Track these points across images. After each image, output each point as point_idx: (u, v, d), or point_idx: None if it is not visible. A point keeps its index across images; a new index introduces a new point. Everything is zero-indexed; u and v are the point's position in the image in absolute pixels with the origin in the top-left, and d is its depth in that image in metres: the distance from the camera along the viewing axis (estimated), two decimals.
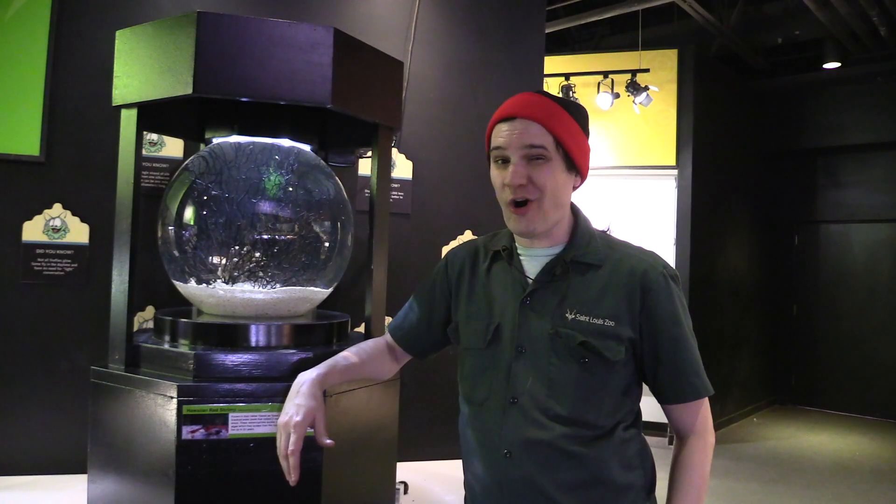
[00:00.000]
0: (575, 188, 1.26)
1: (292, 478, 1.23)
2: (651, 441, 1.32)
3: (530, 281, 1.24)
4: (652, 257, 1.24)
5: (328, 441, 1.27)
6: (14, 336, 2.30)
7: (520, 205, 1.20)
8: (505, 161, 1.21)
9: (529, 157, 1.18)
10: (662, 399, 1.23)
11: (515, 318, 1.22)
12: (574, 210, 1.30)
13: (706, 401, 1.25)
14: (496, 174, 1.23)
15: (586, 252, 1.23)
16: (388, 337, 1.50)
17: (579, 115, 1.23)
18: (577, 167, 1.23)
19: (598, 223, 1.33)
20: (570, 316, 1.19)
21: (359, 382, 1.82)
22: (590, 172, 1.28)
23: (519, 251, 1.29)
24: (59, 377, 2.33)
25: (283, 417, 1.26)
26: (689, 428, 1.24)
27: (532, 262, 1.26)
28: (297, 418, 1.24)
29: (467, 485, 1.31)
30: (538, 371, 1.19)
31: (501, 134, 1.21)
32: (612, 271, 1.21)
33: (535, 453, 1.17)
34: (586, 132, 1.25)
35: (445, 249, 2.78)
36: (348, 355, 1.42)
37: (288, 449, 1.22)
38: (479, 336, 1.27)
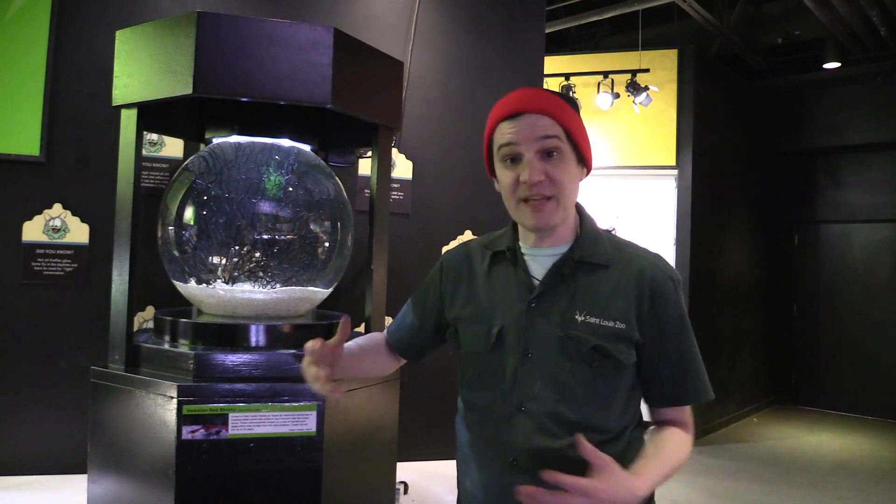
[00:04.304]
0: (579, 181, 1.23)
1: (325, 388, 1.12)
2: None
3: (537, 282, 1.21)
4: (659, 260, 1.22)
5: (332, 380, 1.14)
6: (14, 336, 2.30)
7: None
8: (515, 159, 1.17)
9: (544, 152, 1.15)
10: (658, 401, 1.22)
11: (521, 320, 1.19)
12: (578, 208, 1.27)
13: (690, 407, 1.23)
14: (506, 173, 1.18)
15: (594, 252, 1.20)
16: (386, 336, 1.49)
17: (577, 109, 1.22)
18: (584, 160, 1.21)
19: (602, 223, 1.30)
20: (580, 318, 1.16)
21: (359, 382, 1.82)
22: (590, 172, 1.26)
23: (523, 251, 1.25)
24: (59, 377, 2.32)
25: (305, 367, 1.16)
26: (675, 424, 1.22)
27: (537, 262, 1.23)
28: (309, 345, 1.15)
29: (463, 489, 1.29)
30: (547, 375, 1.16)
31: (509, 130, 1.16)
32: (620, 272, 1.19)
33: (544, 461, 1.13)
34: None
35: (445, 249, 2.78)
36: (349, 345, 1.39)
37: (310, 370, 1.13)
38: (482, 340, 1.23)
